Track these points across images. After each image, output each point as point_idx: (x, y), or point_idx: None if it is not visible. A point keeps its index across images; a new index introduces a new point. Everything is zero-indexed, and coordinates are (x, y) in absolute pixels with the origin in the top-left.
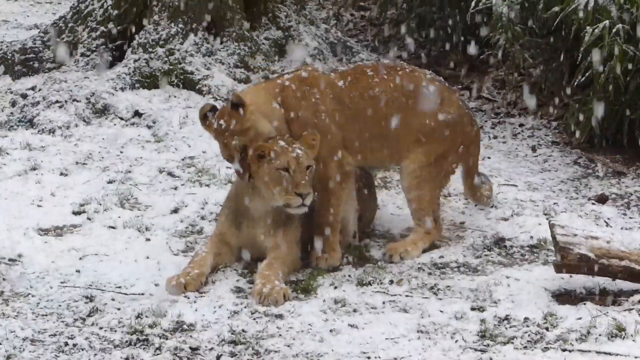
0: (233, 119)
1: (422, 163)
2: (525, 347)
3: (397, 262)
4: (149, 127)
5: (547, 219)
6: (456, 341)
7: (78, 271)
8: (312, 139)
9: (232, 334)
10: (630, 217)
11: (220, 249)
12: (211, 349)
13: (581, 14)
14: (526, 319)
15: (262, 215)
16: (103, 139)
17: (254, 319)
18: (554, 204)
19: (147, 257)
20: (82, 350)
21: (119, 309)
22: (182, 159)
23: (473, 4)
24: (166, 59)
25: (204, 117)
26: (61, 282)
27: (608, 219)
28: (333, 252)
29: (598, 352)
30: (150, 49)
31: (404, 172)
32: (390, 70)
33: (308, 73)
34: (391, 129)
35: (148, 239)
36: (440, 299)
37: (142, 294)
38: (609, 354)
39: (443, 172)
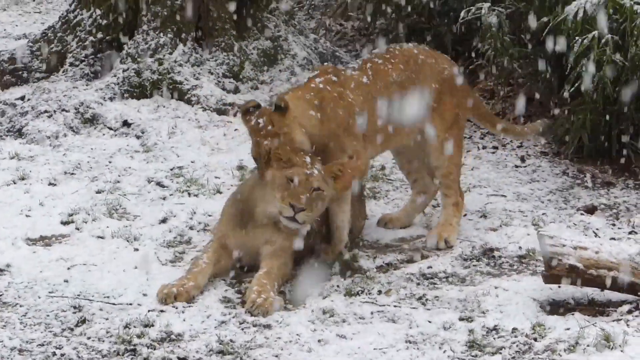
0: (272, 120)
1: (442, 126)
2: (513, 358)
3: (443, 248)
4: (137, 137)
5: (535, 229)
6: (444, 351)
7: (66, 281)
8: (339, 169)
9: (220, 344)
10: (619, 228)
11: (220, 255)
12: (199, 359)
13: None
14: (514, 329)
15: (267, 221)
16: (92, 148)
17: (242, 329)
18: (543, 214)
19: (136, 267)
20: None
21: (107, 319)
22: (171, 169)
23: (462, 14)
24: (155, 68)
25: (246, 112)
26: (49, 292)
27: (597, 229)
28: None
29: None
30: (139, 59)
31: (428, 139)
32: (390, 55)
33: (337, 75)
34: (411, 107)
35: (136, 249)
36: (429, 309)
37: (130, 304)
38: None
39: (461, 131)
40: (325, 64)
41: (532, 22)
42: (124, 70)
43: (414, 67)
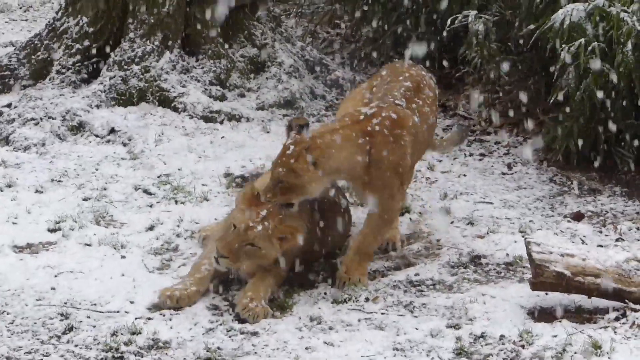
0: (299, 156)
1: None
2: None
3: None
4: (124, 144)
5: (522, 236)
6: (432, 359)
7: (53, 288)
8: (290, 232)
9: (207, 351)
10: (606, 235)
11: None
12: None
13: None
14: (502, 336)
15: None
16: (78, 156)
17: (230, 337)
18: (530, 221)
19: (123, 275)
20: None
21: (94, 327)
22: (158, 177)
23: (449, 21)
24: (142, 76)
25: (290, 127)
26: (36, 300)
27: (584, 236)
28: (364, 277)
29: None
30: (126, 67)
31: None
32: (424, 95)
33: (397, 114)
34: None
35: (123, 257)
36: (416, 317)
37: (117, 312)
38: None
39: None
40: (380, 104)
41: (519, 29)
42: (110, 78)
43: (433, 99)
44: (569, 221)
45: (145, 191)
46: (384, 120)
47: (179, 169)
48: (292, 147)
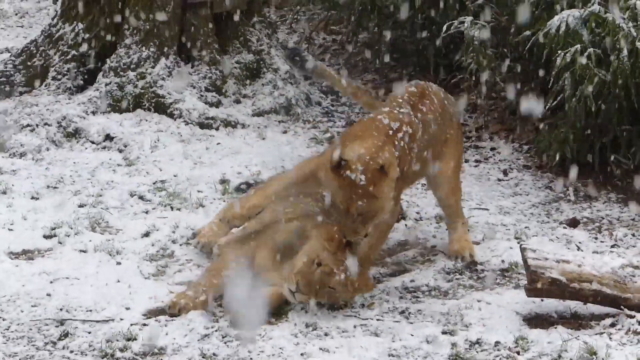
0: (374, 181)
1: None
2: None
3: (469, 260)
4: (120, 150)
5: (518, 242)
6: None
7: (49, 295)
8: (365, 284)
9: (202, 357)
10: (602, 241)
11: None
12: None
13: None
14: (497, 342)
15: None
16: (74, 162)
17: (225, 343)
18: (526, 227)
19: (118, 281)
20: None
21: (89, 333)
22: (154, 183)
23: (445, 27)
24: (137, 82)
25: (338, 166)
26: (32, 306)
27: (579, 242)
28: (367, 286)
29: None
30: (121, 73)
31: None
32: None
33: (411, 127)
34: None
35: (119, 263)
36: (412, 323)
37: (113, 319)
38: None
39: None
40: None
41: (515, 35)
42: (106, 84)
43: (437, 106)
44: (564, 227)
45: (141, 197)
46: (405, 135)
47: (174, 176)
48: (363, 176)
